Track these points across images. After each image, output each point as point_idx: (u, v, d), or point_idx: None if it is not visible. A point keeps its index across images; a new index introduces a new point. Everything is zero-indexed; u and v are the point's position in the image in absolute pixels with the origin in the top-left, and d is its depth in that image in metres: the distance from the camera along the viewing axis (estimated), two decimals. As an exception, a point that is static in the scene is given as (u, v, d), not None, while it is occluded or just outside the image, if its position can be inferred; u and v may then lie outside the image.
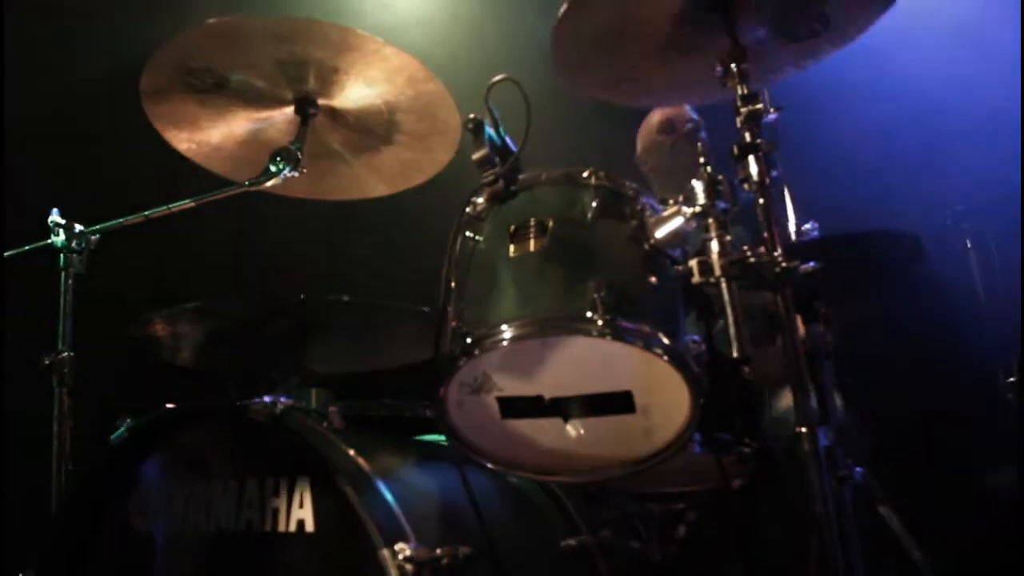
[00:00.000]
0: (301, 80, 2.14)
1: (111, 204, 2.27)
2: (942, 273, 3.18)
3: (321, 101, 2.20)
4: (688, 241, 1.59)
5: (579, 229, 1.58)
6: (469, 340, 1.51)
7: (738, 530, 1.94)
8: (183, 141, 2.26)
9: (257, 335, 2.06)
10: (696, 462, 1.68)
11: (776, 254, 1.54)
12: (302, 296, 1.95)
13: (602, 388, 1.56)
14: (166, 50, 2.05)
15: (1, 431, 2.93)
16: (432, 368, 1.57)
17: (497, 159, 1.58)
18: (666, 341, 1.49)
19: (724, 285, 1.50)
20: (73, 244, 2.18)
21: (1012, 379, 3.10)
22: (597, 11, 1.73)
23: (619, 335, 1.46)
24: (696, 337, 1.58)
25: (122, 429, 1.84)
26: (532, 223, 1.57)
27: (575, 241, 1.57)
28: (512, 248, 1.56)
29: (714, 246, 1.51)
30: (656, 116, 2.87)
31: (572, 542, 1.84)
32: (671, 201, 1.58)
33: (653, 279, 1.55)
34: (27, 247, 2.23)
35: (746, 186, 1.62)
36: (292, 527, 1.65)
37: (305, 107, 2.20)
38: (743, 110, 1.64)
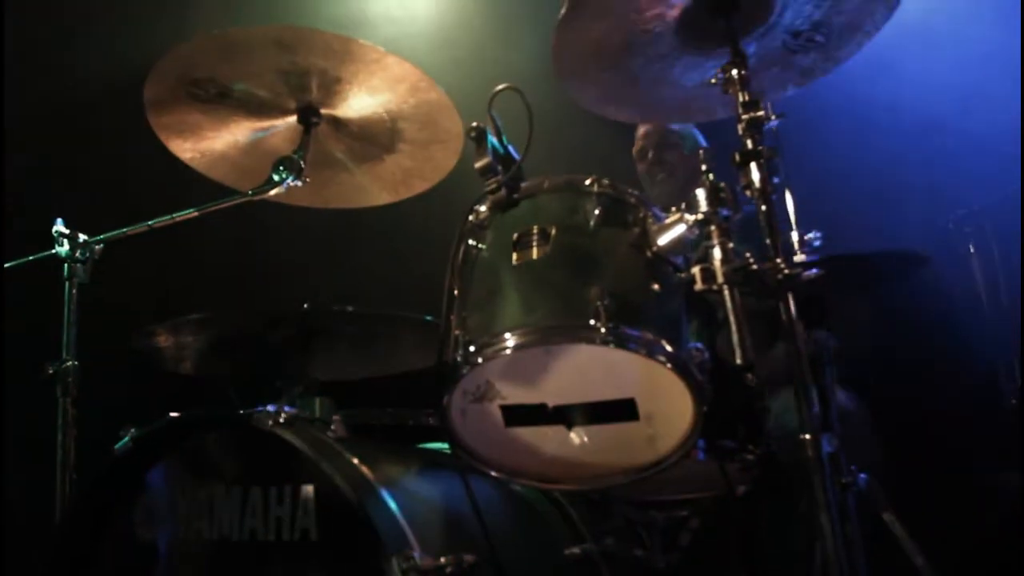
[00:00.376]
0: (303, 89, 2.15)
1: (114, 212, 2.27)
2: (945, 276, 3.17)
3: (324, 110, 2.21)
4: (691, 248, 1.59)
5: (582, 237, 1.58)
6: (472, 348, 1.51)
7: (742, 537, 1.93)
8: (187, 151, 2.27)
9: (261, 344, 2.06)
10: (699, 469, 1.68)
11: (778, 261, 1.54)
12: (305, 305, 1.95)
13: (605, 396, 1.55)
14: (169, 60, 2.06)
15: (4, 440, 2.93)
16: (435, 376, 1.57)
17: (500, 167, 1.58)
18: (669, 348, 1.49)
19: (727, 292, 1.50)
20: (77, 254, 2.18)
21: (1015, 383, 3.09)
22: (597, 17, 1.73)
23: (622, 343, 1.46)
24: (699, 344, 1.57)
25: (126, 438, 1.84)
26: (535, 231, 1.57)
27: (578, 249, 1.57)
28: (515, 256, 1.56)
29: (716, 253, 1.52)
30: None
31: (576, 550, 1.83)
32: (673, 208, 1.58)
33: (656, 286, 1.55)
34: (31, 257, 2.23)
35: (748, 193, 1.61)
36: (296, 536, 1.64)
37: (308, 116, 2.20)
38: (744, 117, 1.64)
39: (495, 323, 1.52)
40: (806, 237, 2.14)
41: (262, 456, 1.75)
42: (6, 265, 2.21)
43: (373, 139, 2.26)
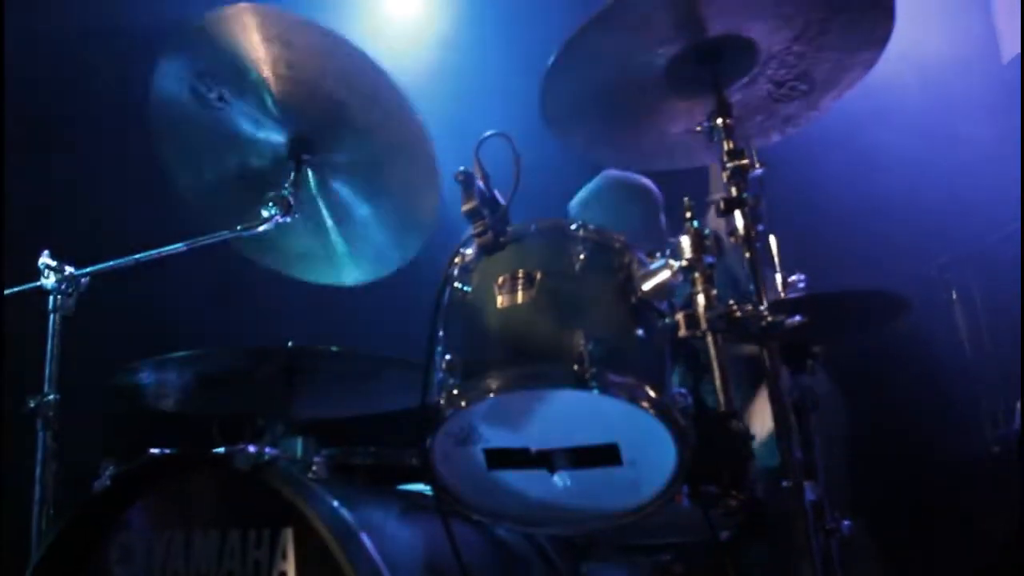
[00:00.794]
0: (296, 123, 2.16)
1: (100, 245, 2.26)
2: (927, 323, 3.20)
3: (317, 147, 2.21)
4: (675, 294, 1.59)
5: (567, 281, 1.58)
6: (456, 391, 1.51)
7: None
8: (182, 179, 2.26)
9: (244, 382, 2.05)
10: (683, 514, 1.67)
11: (762, 308, 1.55)
12: (289, 343, 1.94)
13: (589, 440, 1.55)
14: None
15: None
16: (419, 417, 1.56)
17: (486, 211, 1.59)
18: (652, 394, 1.49)
19: (710, 339, 1.51)
20: (63, 286, 2.17)
21: (1000, 429, 3.11)
22: (585, 65, 1.76)
23: (606, 388, 1.46)
24: (683, 390, 1.58)
25: (105, 476, 1.81)
26: (520, 274, 1.57)
27: (563, 293, 1.57)
28: (500, 299, 1.56)
29: (700, 299, 1.52)
30: None
31: (558, 595, 1.81)
32: (658, 254, 1.59)
33: (640, 332, 1.56)
34: (16, 288, 2.22)
35: (732, 239, 1.63)
36: (274, 579, 1.62)
37: (298, 151, 2.21)
38: (729, 165, 1.66)
39: (479, 366, 1.52)
40: (790, 279, 2.17)
41: (242, 497, 1.73)
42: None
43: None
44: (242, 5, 2.02)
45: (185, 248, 2.18)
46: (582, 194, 2.84)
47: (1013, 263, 3.00)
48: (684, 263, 1.54)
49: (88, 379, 2.21)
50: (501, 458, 1.58)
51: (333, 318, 3.14)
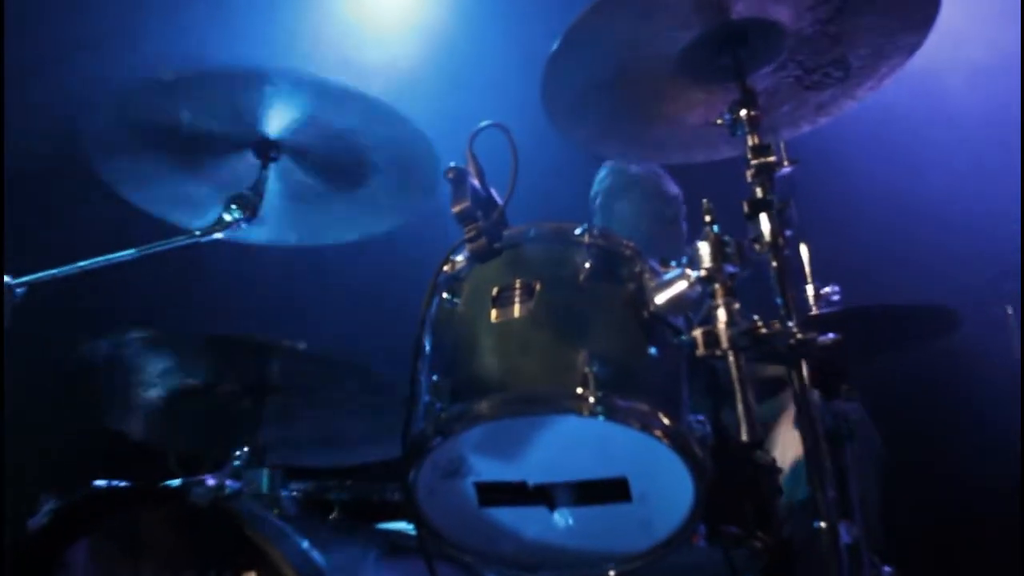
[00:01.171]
0: (259, 123, 2.16)
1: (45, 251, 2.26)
2: (977, 342, 3.19)
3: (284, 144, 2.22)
4: (692, 308, 1.59)
5: (570, 293, 1.58)
6: (444, 417, 1.50)
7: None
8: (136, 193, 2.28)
9: (205, 403, 2.04)
10: (701, 557, 1.68)
11: (790, 324, 1.54)
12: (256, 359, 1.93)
13: (594, 473, 1.55)
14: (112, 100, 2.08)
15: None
16: (401, 447, 1.56)
17: (480, 212, 1.59)
18: (666, 421, 1.49)
19: (732, 358, 1.50)
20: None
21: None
22: (591, 52, 1.76)
23: (613, 414, 1.46)
24: (701, 416, 1.58)
25: (43, 511, 1.80)
26: (517, 285, 1.57)
27: (565, 306, 1.57)
28: (494, 313, 1.56)
29: (721, 315, 1.51)
30: None
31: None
32: (673, 263, 1.59)
33: (652, 350, 1.56)
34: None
35: (757, 247, 1.62)
36: (234, 629, 1.62)
37: (265, 150, 2.21)
38: (754, 163, 1.66)
39: (470, 389, 1.52)
40: (823, 291, 2.17)
41: (200, 536, 1.72)
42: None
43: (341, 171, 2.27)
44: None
45: (137, 254, 2.17)
46: (608, 182, 2.90)
47: (1077, 274, 3.00)
48: (703, 273, 1.53)
49: (37, 399, 2.21)
50: (494, 493, 1.58)
51: (306, 325, 3.14)
